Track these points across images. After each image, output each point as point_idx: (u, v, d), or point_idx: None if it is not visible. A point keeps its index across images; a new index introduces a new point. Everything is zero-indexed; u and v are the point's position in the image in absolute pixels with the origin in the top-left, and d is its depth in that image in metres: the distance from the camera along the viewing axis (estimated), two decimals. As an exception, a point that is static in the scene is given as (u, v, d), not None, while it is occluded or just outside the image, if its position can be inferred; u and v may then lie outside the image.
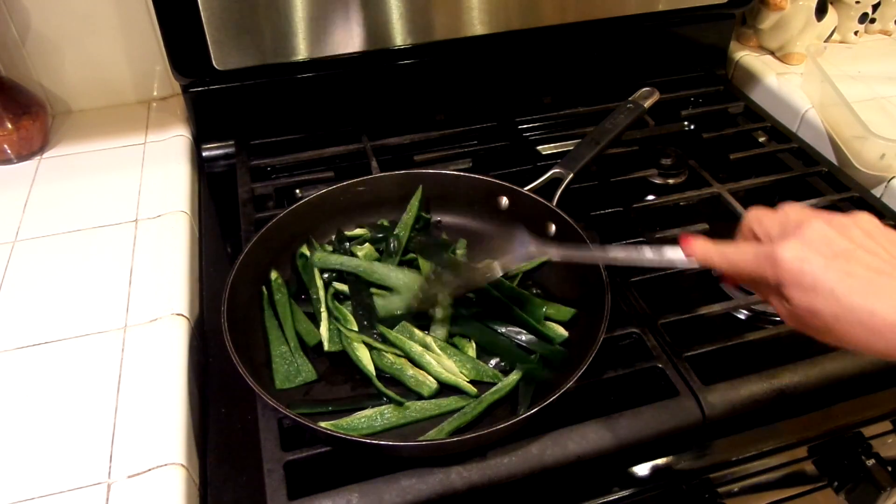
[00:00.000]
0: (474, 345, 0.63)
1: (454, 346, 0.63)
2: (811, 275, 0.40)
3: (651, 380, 0.60)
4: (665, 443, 0.57)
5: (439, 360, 0.61)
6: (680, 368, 0.60)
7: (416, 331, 0.63)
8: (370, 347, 0.62)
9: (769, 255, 0.43)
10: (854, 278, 0.40)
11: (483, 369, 0.61)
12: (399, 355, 0.61)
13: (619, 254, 0.54)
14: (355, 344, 0.62)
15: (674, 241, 0.50)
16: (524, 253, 0.60)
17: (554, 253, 0.60)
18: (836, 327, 0.40)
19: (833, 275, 0.40)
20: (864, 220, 0.43)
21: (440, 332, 0.63)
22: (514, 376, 0.59)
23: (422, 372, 0.60)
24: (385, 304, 0.65)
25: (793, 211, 0.44)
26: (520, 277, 0.70)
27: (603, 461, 0.56)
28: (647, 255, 0.51)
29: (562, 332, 0.64)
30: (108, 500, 0.50)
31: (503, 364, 0.62)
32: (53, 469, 0.52)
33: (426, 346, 0.62)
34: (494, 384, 0.60)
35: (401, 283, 0.66)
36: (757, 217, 0.46)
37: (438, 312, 0.64)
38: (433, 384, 0.59)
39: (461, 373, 0.60)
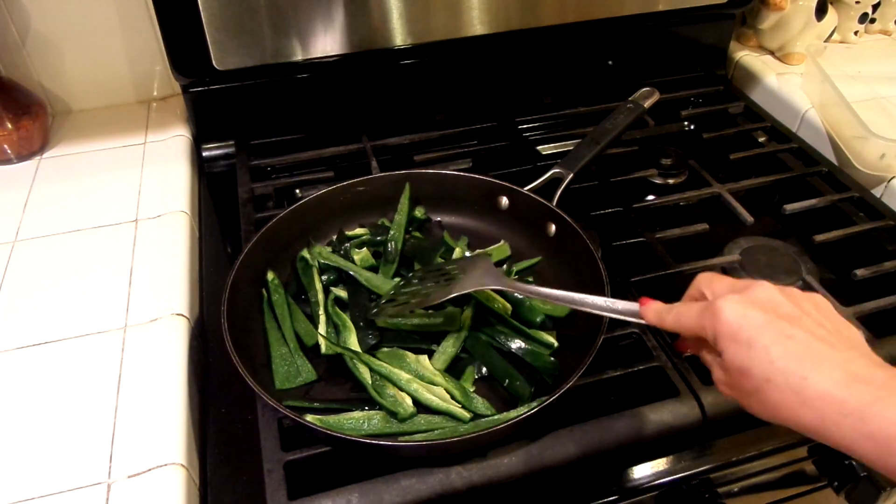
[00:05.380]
0: (473, 370, 0.61)
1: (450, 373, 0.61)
2: (748, 329, 0.40)
3: (651, 380, 0.60)
4: (665, 443, 0.57)
5: (429, 389, 0.58)
6: (680, 368, 0.60)
7: (410, 355, 0.61)
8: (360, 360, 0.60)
9: (710, 307, 0.42)
10: (793, 341, 0.39)
11: (475, 401, 0.58)
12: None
13: (577, 300, 0.54)
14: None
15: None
16: (483, 282, 0.60)
17: (515, 288, 0.60)
18: (765, 390, 0.39)
19: (771, 334, 0.39)
20: (819, 298, 0.43)
21: (450, 349, 0.62)
22: (514, 413, 0.56)
23: (401, 393, 0.58)
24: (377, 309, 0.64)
25: (746, 280, 0.44)
26: (516, 273, 0.70)
27: (603, 461, 0.56)
28: (602, 305, 0.52)
29: (551, 340, 0.62)
30: (108, 500, 0.50)
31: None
32: (53, 469, 0.52)
33: (417, 374, 0.60)
34: (485, 416, 0.57)
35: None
36: (708, 279, 0.46)
37: (454, 327, 0.63)
38: (409, 408, 0.57)
39: (453, 400, 0.58)
